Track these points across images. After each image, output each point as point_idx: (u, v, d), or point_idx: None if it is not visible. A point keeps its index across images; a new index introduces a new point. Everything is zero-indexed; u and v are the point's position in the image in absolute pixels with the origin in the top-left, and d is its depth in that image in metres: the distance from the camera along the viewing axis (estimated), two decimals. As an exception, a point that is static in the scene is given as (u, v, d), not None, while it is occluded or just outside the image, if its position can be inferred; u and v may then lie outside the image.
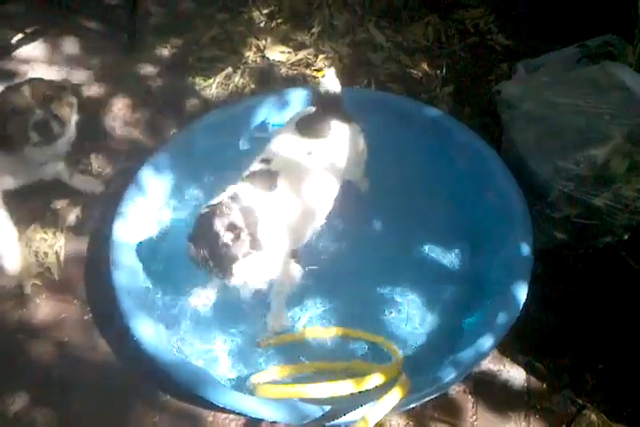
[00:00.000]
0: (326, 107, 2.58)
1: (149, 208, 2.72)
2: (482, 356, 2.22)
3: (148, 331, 2.27)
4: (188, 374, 2.16)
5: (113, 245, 2.50)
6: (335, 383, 2.03)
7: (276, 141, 2.51)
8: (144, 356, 2.25)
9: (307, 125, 2.52)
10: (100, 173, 3.12)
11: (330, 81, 2.56)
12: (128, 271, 2.47)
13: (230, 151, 2.93)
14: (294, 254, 2.41)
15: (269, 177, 2.32)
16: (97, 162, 3.16)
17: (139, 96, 3.45)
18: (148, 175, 2.73)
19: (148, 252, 2.61)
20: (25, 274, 2.76)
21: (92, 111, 3.38)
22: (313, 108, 2.62)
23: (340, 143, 2.54)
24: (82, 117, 3.31)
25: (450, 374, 2.12)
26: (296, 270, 2.43)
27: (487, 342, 2.19)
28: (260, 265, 2.18)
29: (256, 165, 2.41)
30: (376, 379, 2.06)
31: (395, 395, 2.01)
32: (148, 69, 3.58)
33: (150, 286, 2.54)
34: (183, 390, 2.21)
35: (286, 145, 2.48)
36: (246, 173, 2.38)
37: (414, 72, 3.51)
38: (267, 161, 2.41)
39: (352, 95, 2.99)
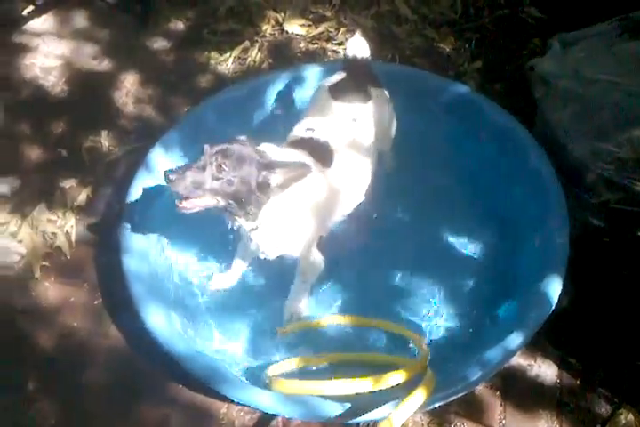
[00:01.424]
0: (357, 72, 2.44)
1: (160, 190, 2.58)
2: (511, 354, 2.08)
3: (159, 320, 2.16)
4: (201, 366, 2.05)
5: (123, 230, 2.38)
6: (356, 380, 1.90)
7: (313, 109, 2.37)
8: (155, 345, 2.13)
9: (343, 91, 2.37)
10: (111, 151, 2.99)
11: (358, 45, 2.43)
12: (139, 256, 2.35)
13: (244, 129, 2.77)
14: (319, 240, 2.28)
15: (325, 151, 2.20)
16: (107, 140, 3.03)
17: (151, 71, 3.32)
18: (158, 155, 2.60)
19: (161, 235, 2.49)
20: (32, 255, 2.65)
21: (103, 86, 3.26)
22: (342, 74, 2.46)
23: (378, 109, 2.41)
24: (91, 94, 3.22)
25: (476, 373, 1.99)
26: (319, 258, 2.29)
27: (517, 339, 2.05)
28: (285, 234, 2.09)
29: (300, 132, 2.27)
30: (399, 376, 1.93)
31: (420, 394, 1.87)
32: (162, 43, 3.45)
33: (163, 271, 2.42)
34: (196, 380, 2.10)
35: (328, 112, 2.33)
36: (292, 138, 2.25)
37: (441, 46, 3.35)
38: (311, 130, 2.27)
39: (374, 69, 2.88)
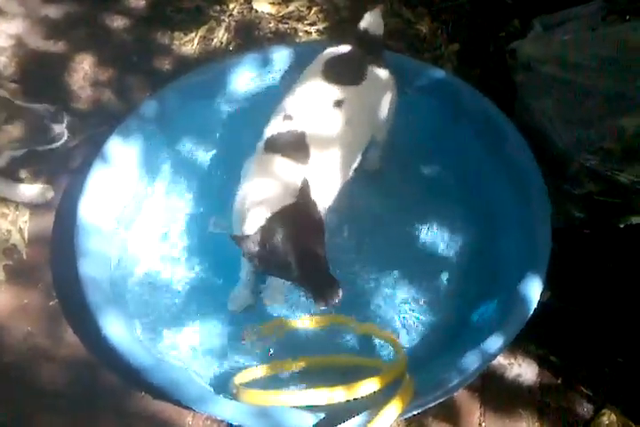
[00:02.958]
0: (364, 48, 2.25)
1: (120, 184, 2.42)
2: (492, 357, 1.99)
3: (118, 330, 2.02)
4: (164, 376, 1.91)
5: (78, 230, 2.21)
6: (328, 390, 1.79)
7: (298, 89, 2.16)
8: (114, 353, 1.99)
9: (337, 68, 2.17)
10: (68, 138, 2.78)
11: (374, 21, 2.27)
12: (96, 261, 2.20)
13: (210, 117, 2.62)
14: None
15: (299, 146, 2.00)
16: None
17: (110, 52, 3.11)
18: (116, 146, 2.42)
19: (119, 234, 2.34)
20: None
21: (58, 69, 3.04)
22: (347, 48, 2.27)
23: (375, 92, 2.24)
24: (46, 76, 3.01)
25: (456, 378, 1.89)
26: None
27: (498, 341, 1.96)
28: None
29: (278, 124, 2.06)
30: (375, 383, 1.83)
31: (398, 403, 1.77)
32: (122, 22, 3.22)
33: (121, 274, 2.27)
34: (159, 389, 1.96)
35: (311, 95, 2.13)
36: (268, 134, 2.05)
37: (417, 28, 3.18)
38: (289, 117, 2.06)
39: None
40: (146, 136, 2.47)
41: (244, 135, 2.61)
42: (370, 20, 2.27)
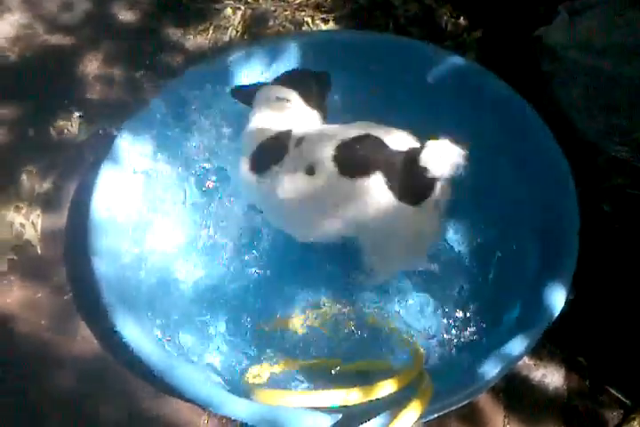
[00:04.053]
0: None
1: (129, 181, 2.37)
2: (514, 361, 1.90)
3: (131, 325, 1.97)
4: (177, 375, 1.86)
5: (91, 227, 2.17)
6: (346, 391, 1.73)
7: None
8: (128, 350, 1.95)
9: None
10: (77, 135, 2.75)
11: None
12: (109, 258, 2.15)
13: (225, 111, 2.54)
14: None
15: None
16: (75, 121, 2.79)
17: (124, 42, 3.06)
18: (126, 142, 2.36)
19: (132, 230, 2.30)
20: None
21: (68, 62, 3.00)
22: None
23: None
24: (56, 68, 2.96)
25: (476, 382, 1.81)
26: None
27: (520, 344, 1.86)
28: None
29: None
30: (393, 384, 1.76)
31: (418, 405, 1.71)
32: (135, 11, 3.18)
33: (135, 271, 2.22)
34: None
35: None
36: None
37: (438, 15, 3.08)
38: None
39: (366, 39, 2.67)
40: (157, 130, 2.41)
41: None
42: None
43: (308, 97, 2.24)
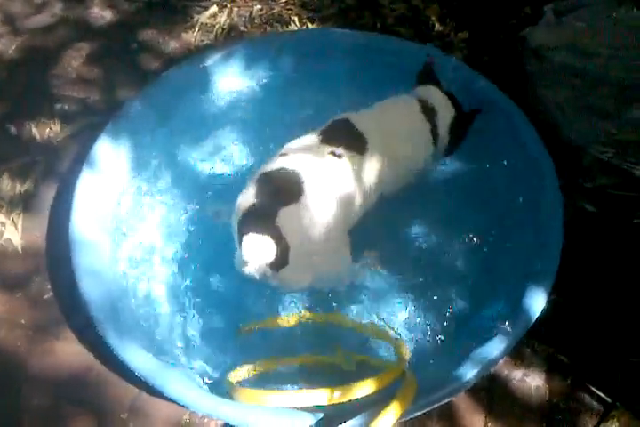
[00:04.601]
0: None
1: (111, 186, 2.35)
2: (492, 362, 1.89)
3: (112, 326, 1.95)
4: (159, 375, 1.84)
5: (73, 245, 2.13)
6: (329, 390, 1.72)
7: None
8: (108, 348, 1.92)
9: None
10: (58, 134, 2.71)
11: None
12: (90, 257, 2.13)
13: (209, 112, 2.56)
14: None
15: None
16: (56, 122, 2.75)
17: (107, 40, 3.02)
18: (104, 150, 2.34)
19: (115, 239, 2.29)
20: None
21: (50, 59, 2.96)
22: None
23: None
24: (36, 69, 2.91)
25: (454, 382, 1.81)
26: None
27: (499, 345, 1.87)
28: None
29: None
30: (376, 383, 1.75)
31: (401, 403, 1.70)
32: (123, 7, 3.13)
33: (119, 275, 2.20)
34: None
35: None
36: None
37: (425, 15, 3.08)
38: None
39: (353, 40, 2.66)
40: (135, 134, 2.40)
41: (242, 125, 2.57)
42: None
43: None
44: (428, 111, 2.23)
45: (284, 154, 2.03)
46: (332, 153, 2.04)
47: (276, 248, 1.83)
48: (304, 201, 1.91)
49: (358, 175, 2.06)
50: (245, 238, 1.81)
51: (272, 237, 1.82)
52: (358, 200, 2.08)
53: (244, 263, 1.85)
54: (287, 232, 1.85)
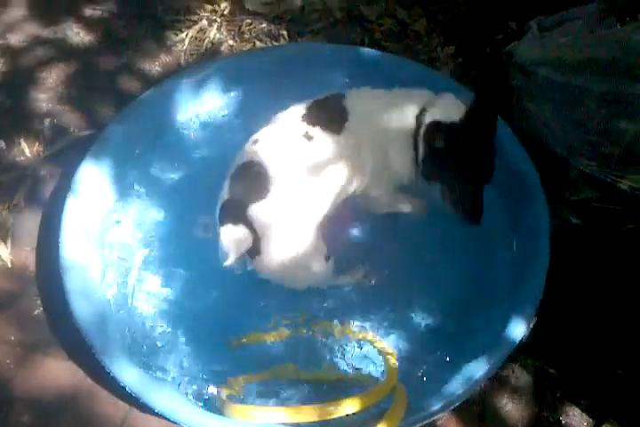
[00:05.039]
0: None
1: (98, 208, 2.36)
2: (476, 383, 1.91)
3: (106, 345, 1.95)
4: (149, 391, 1.84)
5: (63, 262, 2.14)
6: (323, 406, 1.73)
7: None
8: (98, 363, 1.92)
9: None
10: (42, 151, 2.71)
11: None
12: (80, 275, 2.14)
13: (196, 127, 2.60)
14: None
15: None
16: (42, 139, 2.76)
17: (97, 53, 3.03)
18: (90, 168, 2.34)
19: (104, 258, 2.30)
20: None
21: (40, 65, 2.95)
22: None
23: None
24: (23, 85, 2.90)
25: (438, 404, 1.82)
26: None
27: (483, 366, 1.89)
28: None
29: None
30: (366, 400, 1.76)
31: (392, 418, 1.71)
32: (110, 21, 3.15)
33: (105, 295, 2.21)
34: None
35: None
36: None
37: (413, 29, 3.12)
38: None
39: (341, 55, 2.69)
40: (120, 152, 2.42)
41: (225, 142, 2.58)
42: None
43: None
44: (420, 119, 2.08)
45: (256, 141, 2.06)
46: (306, 134, 2.04)
47: (249, 237, 1.94)
48: (271, 196, 1.97)
49: (329, 158, 2.04)
50: (223, 229, 1.94)
51: (246, 227, 1.93)
52: (329, 191, 2.07)
53: (226, 256, 1.94)
54: (258, 224, 1.95)
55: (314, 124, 2.05)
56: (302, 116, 2.08)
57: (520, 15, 3.04)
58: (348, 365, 2.10)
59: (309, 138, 2.04)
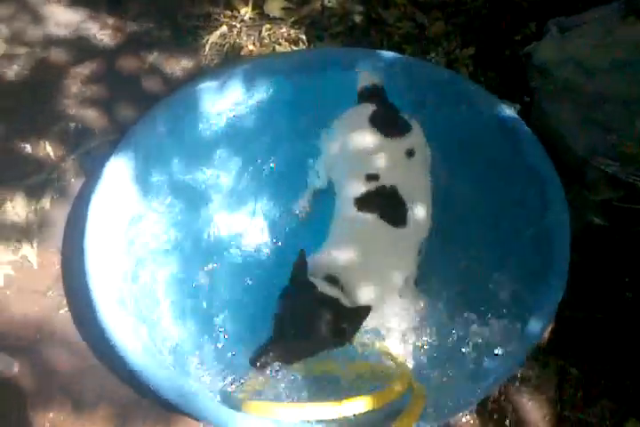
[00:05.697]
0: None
1: (121, 219, 2.39)
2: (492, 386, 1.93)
3: (128, 338, 1.99)
4: (172, 388, 1.87)
5: (88, 263, 2.19)
6: (338, 404, 1.73)
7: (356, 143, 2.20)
8: (124, 364, 1.96)
9: (385, 123, 2.23)
10: (68, 154, 2.77)
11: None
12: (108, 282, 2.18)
13: (220, 130, 2.62)
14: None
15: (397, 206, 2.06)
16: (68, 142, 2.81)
17: (119, 60, 3.08)
18: (116, 169, 2.39)
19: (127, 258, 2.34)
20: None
21: (55, 79, 3.00)
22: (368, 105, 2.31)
23: (418, 137, 2.28)
24: (48, 89, 2.97)
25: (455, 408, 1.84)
26: None
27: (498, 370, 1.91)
28: None
29: (360, 185, 2.09)
30: (384, 398, 1.76)
31: (410, 416, 1.72)
32: (133, 28, 3.20)
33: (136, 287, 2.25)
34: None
35: (379, 149, 2.16)
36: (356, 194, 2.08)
37: (431, 32, 3.13)
38: (374, 177, 2.10)
39: (360, 57, 2.69)
40: (146, 154, 2.46)
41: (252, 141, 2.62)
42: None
43: None
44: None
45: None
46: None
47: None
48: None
49: None
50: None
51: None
52: None
53: None
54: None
55: None
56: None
57: (540, 16, 3.05)
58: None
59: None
